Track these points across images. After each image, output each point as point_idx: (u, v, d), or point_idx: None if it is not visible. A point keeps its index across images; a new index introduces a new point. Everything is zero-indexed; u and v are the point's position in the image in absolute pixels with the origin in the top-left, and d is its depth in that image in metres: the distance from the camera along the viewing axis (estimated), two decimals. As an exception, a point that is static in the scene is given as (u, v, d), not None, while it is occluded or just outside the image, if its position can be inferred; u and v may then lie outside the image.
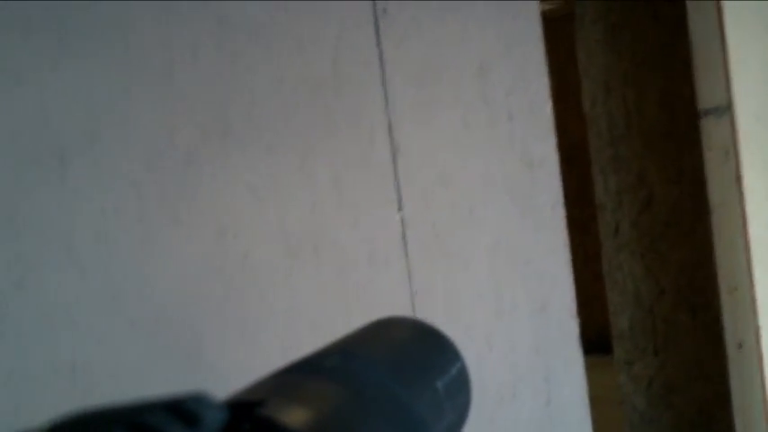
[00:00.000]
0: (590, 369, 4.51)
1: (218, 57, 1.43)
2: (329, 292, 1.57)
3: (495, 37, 1.93)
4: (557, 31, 5.74)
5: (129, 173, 1.30)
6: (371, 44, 1.68)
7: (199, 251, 1.38)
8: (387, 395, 0.44)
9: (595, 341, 4.26)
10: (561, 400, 1.99)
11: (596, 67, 3.68)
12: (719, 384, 3.37)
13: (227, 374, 1.38)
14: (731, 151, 2.67)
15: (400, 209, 1.70)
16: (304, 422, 0.36)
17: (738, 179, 2.67)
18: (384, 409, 0.43)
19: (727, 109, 2.65)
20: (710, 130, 2.70)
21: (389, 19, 1.71)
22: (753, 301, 2.72)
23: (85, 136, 1.26)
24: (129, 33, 1.32)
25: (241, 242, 1.44)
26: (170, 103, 1.36)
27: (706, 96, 2.71)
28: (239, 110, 1.45)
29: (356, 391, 0.42)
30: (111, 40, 1.29)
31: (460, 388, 0.52)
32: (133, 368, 1.29)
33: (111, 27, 1.29)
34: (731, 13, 2.72)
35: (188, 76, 1.39)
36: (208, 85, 1.41)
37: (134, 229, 1.30)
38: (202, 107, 1.40)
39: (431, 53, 1.80)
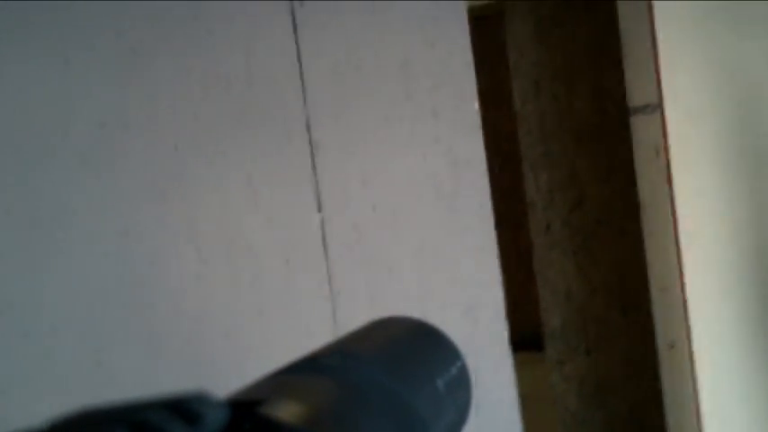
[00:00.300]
0: (524, 366, 4.47)
1: (117, 47, 1.33)
2: (243, 297, 1.49)
3: (419, 31, 1.86)
4: (488, 28, 5.70)
5: (16, 171, 1.21)
6: (288, 36, 1.60)
7: (99, 254, 1.28)
8: (387, 394, 0.44)
9: (529, 338, 4.22)
10: (490, 404, 1.93)
11: (527, 63, 3.64)
12: (652, 383, 3.35)
13: (130, 388, 1.29)
14: (661, 149, 2.63)
15: (320, 210, 1.62)
16: (305, 420, 0.36)
17: (668, 178, 2.64)
18: (384, 408, 0.42)
19: (657, 107, 2.61)
20: (640, 128, 2.66)
21: (307, 10, 1.63)
22: (684, 300, 2.69)
23: (-30, 132, 1.16)
24: (19, 20, 1.22)
25: (146, 245, 1.35)
26: (64, 96, 1.27)
27: (636, 94, 2.68)
28: (140, 104, 1.36)
29: (356, 389, 0.42)
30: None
31: (461, 386, 0.52)
32: (26, 385, 1.19)
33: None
34: (662, 10, 2.69)
35: (84, 67, 1.29)
36: (106, 77, 1.32)
37: (23, 231, 1.21)
38: (100, 101, 1.31)
39: (351, 46, 1.72)
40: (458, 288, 1.89)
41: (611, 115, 3.45)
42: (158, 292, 1.35)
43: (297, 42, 1.61)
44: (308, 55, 1.63)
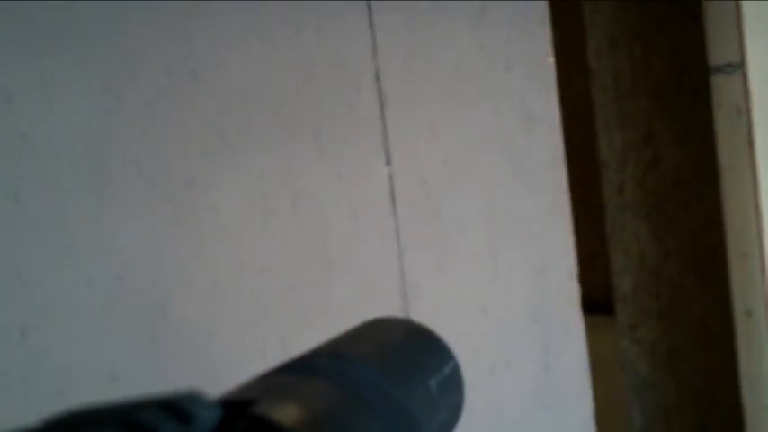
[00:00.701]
0: (593, 330, 4.42)
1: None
2: (309, 250, 1.46)
3: (494, -21, 1.81)
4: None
5: (84, 114, 1.19)
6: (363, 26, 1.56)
7: (163, 204, 1.27)
8: (379, 394, 0.44)
9: (599, 302, 4.16)
10: (560, 368, 1.89)
11: (602, 19, 3.55)
12: (726, 352, 3.28)
13: (194, 339, 1.28)
14: (742, 110, 2.55)
15: (388, 163, 1.59)
16: (297, 420, 0.36)
17: (750, 140, 2.55)
18: (377, 408, 0.43)
19: (738, 66, 2.52)
20: (721, 88, 2.57)
21: (379, -43, 1.59)
22: (763, 268, 2.61)
23: (34, 78, 1.15)
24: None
25: (211, 195, 1.33)
26: (132, 40, 1.25)
27: (716, 52, 2.58)
28: (208, 51, 1.33)
29: (349, 390, 0.42)
30: (46, 32, 1.18)
31: (454, 387, 0.52)
32: (90, 332, 1.19)
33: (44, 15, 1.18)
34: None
35: (151, 12, 1.27)
36: (173, 21, 1.29)
37: (89, 177, 1.20)
38: (168, 45, 1.28)
39: (424, -4, 1.68)
40: (528, 248, 1.85)
41: (689, 74, 3.35)
42: (223, 243, 1.34)
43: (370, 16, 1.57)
44: (379, 6, 1.59)
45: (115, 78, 1.23)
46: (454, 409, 0.52)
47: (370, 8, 1.58)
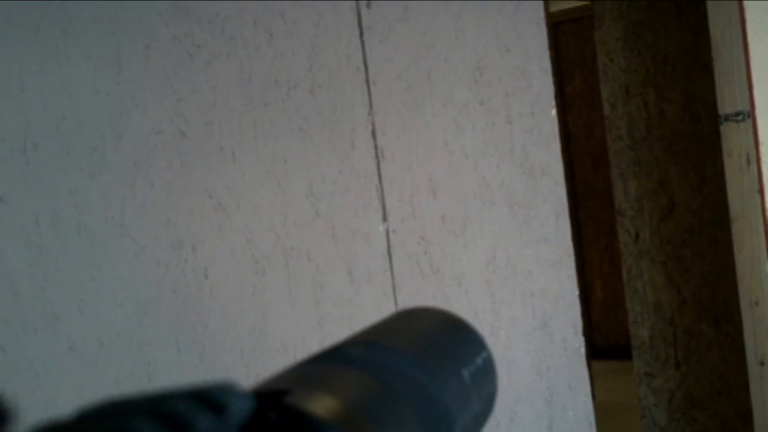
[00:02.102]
0: (617, 375, 4.32)
1: (174, 50, 1.28)
2: (303, 310, 1.42)
3: (493, 36, 1.78)
4: (584, 30, 5.56)
5: (67, 176, 1.16)
6: (353, 39, 1.53)
7: (149, 266, 1.23)
8: (412, 384, 0.43)
9: (624, 346, 4.08)
10: (565, 423, 1.83)
11: (616, 68, 3.51)
12: (743, 399, 3.19)
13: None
14: (753, 158, 2.49)
15: (385, 219, 1.55)
16: (330, 411, 0.35)
17: (760, 188, 2.49)
18: (410, 399, 0.42)
19: (748, 114, 2.47)
20: (731, 136, 2.52)
21: (374, 13, 1.56)
22: (776, 316, 2.54)
23: (16, 139, 1.12)
24: (68, 23, 1.17)
25: (200, 256, 1.29)
26: (117, 102, 1.22)
27: (727, 101, 2.53)
28: (197, 110, 1.30)
29: (382, 380, 0.41)
30: (47, 30, 1.15)
31: (487, 378, 0.50)
32: (71, 398, 1.15)
33: (47, 15, 1.15)
34: (753, 16, 2.54)
35: (138, 73, 1.25)
36: (161, 82, 1.26)
37: (72, 241, 1.16)
38: (154, 107, 1.25)
39: (421, 51, 1.64)
40: (531, 302, 1.80)
41: (702, 122, 3.31)
42: (213, 304, 1.30)
43: (363, 47, 1.54)
44: (375, 60, 1.56)
45: (100, 139, 1.20)
46: (487, 400, 0.50)
47: (366, 65, 1.54)
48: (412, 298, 1.56)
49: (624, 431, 3.68)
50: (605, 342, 5.69)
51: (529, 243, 1.80)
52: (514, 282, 1.76)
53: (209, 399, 0.30)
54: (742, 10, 2.49)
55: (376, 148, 1.54)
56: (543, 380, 1.80)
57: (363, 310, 1.50)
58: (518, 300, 1.77)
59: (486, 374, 0.50)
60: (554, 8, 5.75)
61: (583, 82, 5.69)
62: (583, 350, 1.90)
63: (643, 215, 3.49)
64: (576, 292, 1.90)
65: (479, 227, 1.71)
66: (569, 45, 5.83)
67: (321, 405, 0.36)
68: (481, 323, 1.68)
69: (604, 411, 4.83)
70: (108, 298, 1.19)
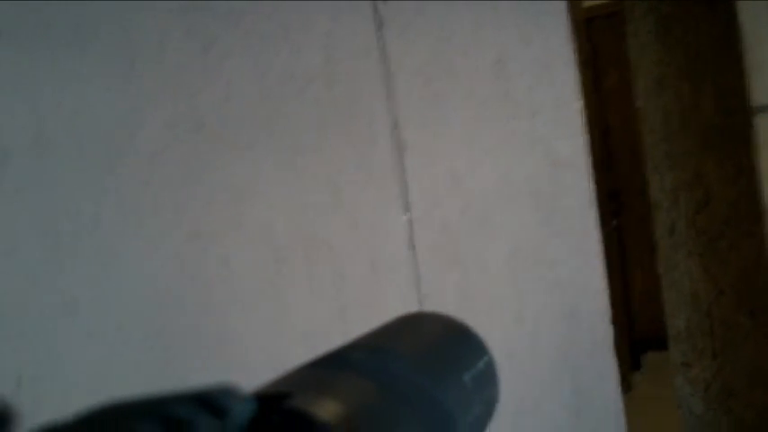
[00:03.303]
0: (657, 365, 4.22)
1: (188, 45, 1.26)
2: (324, 300, 1.39)
3: (515, 28, 1.74)
4: (619, 26, 5.47)
5: (82, 174, 1.15)
6: (370, 34, 1.50)
7: (166, 256, 1.21)
8: (414, 389, 0.42)
9: (664, 337, 4.01)
10: (592, 413, 1.78)
11: (648, 61, 3.44)
12: (781, 389, 3.11)
13: (198, 392, 1.21)
14: (785, 148, 2.42)
15: (407, 211, 1.52)
16: (332, 415, 0.35)
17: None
18: (412, 403, 0.41)
19: (781, 104, 2.40)
20: (764, 128, 2.45)
21: (392, 7, 1.53)
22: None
23: (30, 135, 1.11)
24: (80, 20, 1.16)
25: (219, 246, 1.27)
26: (130, 98, 1.20)
27: (759, 92, 2.46)
28: (212, 104, 1.28)
29: (384, 384, 0.41)
30: (59, 26, 1.14)
31: (488, 382, 0.50)
32: (88, 384, 1.13)
33: (58, 13, 1.14)
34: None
35: (151, 69, 1.23)
36: (175, 77, 1.24)
37: (90, 233, 1.15)
38: (169, 102, 1.23)
39: (441, 45, 1.61)
40: (557, 292, 1.76)
41: (737, 114, 3.22)
42: (231, 295, 1.27)
43: (382, 41, 1.51)
44: (394, 54, 1.53)
45: (115, 134, 1.18)
46: (489, 404, 0.50)
47: (386, 58, 1.51)
48: (435, 287, 1.53)
49: (663, 421, 3.60)
50: (646, 332, 5.59)
51: (554, 234, 1.76)
52: (539, 272, 1.72)
53: (211, 402, 0.30)
54: (771, 1, 2.42)
55: (397, 140, 1.51)
56: (569, 369, 1.75)
57: (386, 298, 1.47)
58: (543, 290, 1.73)
59: (488, 378, 0.50)
60: (588, 3, 5.68)
61: (619, 76, 5.60)
62: (611, 340, 1.85)
63: (679, 207, 3.42)
64: (604, 283, 1.85)
65: (502, 218, 1.67)
66: (605, 40, 5.75)
67: (323, 409, 0.35)
68: (505, 313, 1.64)
69: (643, 401, 4.75)
70: (125, 286, 1.17)
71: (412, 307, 1.49)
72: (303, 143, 1.39)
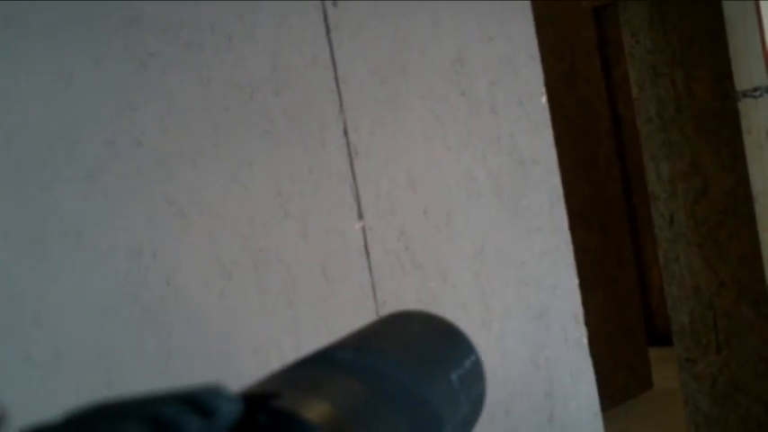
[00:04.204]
0: (665, 362, 4.25)
1: (127, 60, 1.30)
2: (275, 311, 1.43)
3: (474, 23, 1.77)
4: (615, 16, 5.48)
5: (19, 194, 1.19)
6: (319, 38, 1.54)
7: (107, 275, 1.25)
8: (402, 388, 0.43)
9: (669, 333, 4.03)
10: (568, 414, 1.82)
11: (642, 49, 3.46)
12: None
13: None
14: (772, 133, 2.44)
15: (360, 217, 1.55)
16: (319, 414, 0.36)
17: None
18: (399, 402, 0.42)
19: (766, 89, 2.42)
20: (749, 113, 2.47)
21: (342, 9, 1.57)
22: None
23: (-40, 157, 1.15)
24: (16, 38, 1.20)
25: (162, 263, 1.31)
26: (68, 113, 1.24)
27: (743, 77, 2.49)
28: (153, 118, 1.32)
29: (371, 384, 0.42)
30: (-14, 51, 1.18)
31: (475, 380, 0.51)
32: (29, 409, 1.17)
33: (-15, 37, 1.18)
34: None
35: (89, 85, 1.27)
36: (114, 92, 1.29)
37: (26, 252, 1.19)
38: (108, 118, 1.28)
39: (396, 44, 1.65)
40: (526, 292, 1.79)
41: (732, 99, 3.24)
42: (177, 312, 1.31)
43: (330, 45, 1.55)
44: (345, 57, 1.57)
45: (52, 152, 1.22)
46: (476, 402, 0.51)
47: (334, 63, 1.55)
48: (393, 294, 1.57)
49: (682, 419, 3.62)
50: (665, 328, 5.61)
51: (521, 233, 1.79)
52: (506, 273, 1.76)
53: (198, 402, 0.30)
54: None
55: (348, 145, 1.55)
56: (541, 371, 1.79)
57: (340, 308, 1.51)
58: (510, 290, 1.76)
59: (475, 377, 0.52)
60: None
61: (617, 68, 5.62)
62: (585, 340, 1.88)
63: (677, 198, 3.44)
64: (576, 281, 1.88)
65: (465, 219, 1.70)
66: (614, 28, 5.76)
67: (310, 408, 0.36)
68: (470, 316, 1.68)
69: (661, 398, 4.76)
70: (64, 308, 1.21)
71: (368, 316, 1.53)
72: (250, 153, 1.43)
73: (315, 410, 0.36)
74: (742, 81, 2.51)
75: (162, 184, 1.32)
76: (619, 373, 4.89)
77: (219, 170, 1.39)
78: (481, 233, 1.72)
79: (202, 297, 1.35)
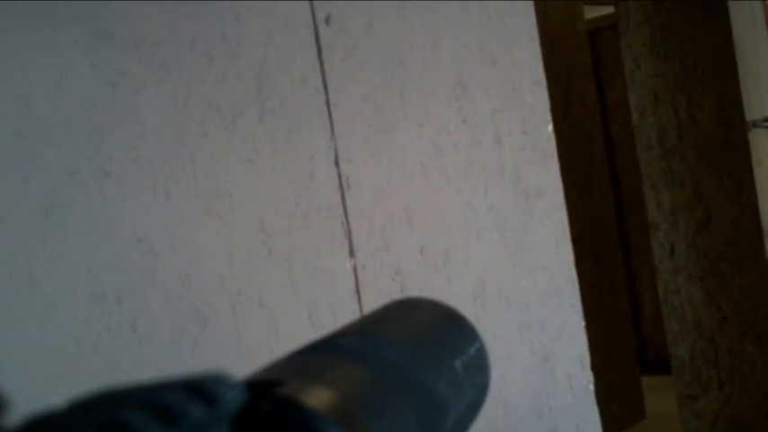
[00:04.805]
0: (670, 390, 4.11)
1: (94, 80, 1.16)
2: (255, 360, 1.28)
3: (477, 46, 1.63)
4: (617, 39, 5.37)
5: (-38, 231, 1.04)
6: (310, 59, 1.40)
7: (66, 322, 1.11)
8: (406, 375, 0.43)
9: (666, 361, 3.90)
10: (573, 468, 1.67)
11: (644, 73, 3.34)
12: (791, 422, 3.00)
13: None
14: (785, 165, 2.31)
15: (352, 255, 1.41)
16: (323, 402, 0.36)
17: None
18: (403, 389, 0.42)
19: (778, 118, 2.30)
20: (760, 143, 2.34)
21: (334, 28, 1.43)
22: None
23: None
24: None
25: (128, 308, 1.16)
26: (25, 141, 1.10)
27: (754, 105, 2.36)
28: (122, 145, 1.18)
29: (375, 371, 0.41)
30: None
31: (479, 368, 0.50)
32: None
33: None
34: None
35: (50, 108, 1.12)
36: (78, 117, 1.14)
37: (-29, 300, 1.04)
38: (70, 145, 1.13)
39: (390, 68, 1.51)
40: (529, 336, 1.65)
41: (736, 128, 3.11)
42: (144, 362, 1.17)
43: (322, 66, 1.41)
44: (337, 80, 1.43)
45: (5, 184, 1.07)
46: (480, 390, 0.50)
47: (326, 86, 1.41)
48: (386, 340, 1.42)
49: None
50: (657, 356, 5.48)
51: (524, 272, 1.65)
52: (508, 315, 1.61)
53: (202, 389, 0.30)
54: (766, 8, 2.32)
55: (339, 176, 1.41)
56: (545, 422, 1.64)
57: (328, 356, 1.36)
58: (513, 335, 1.62)
59: (479, 364, 0.51)
60: (591, 14, 5.59)
61: (625, 88, 5.51)
62: (592, 387, 1.74)
63: (678, 228, 3.31)
64: (582, 323, 1.74)
65: (465, 257, 1.56)
66: (609, 51, 5.66)
67: (314, 396, 0.36)
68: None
69: (655, 429, 4.63)
70: (16, 361, 1.06)
71: (360, 363, 1.38)
72: (230, 184, 1.28)
73: (319, 397, 0.36)
74: (753, 110, 2.38)
75: (130, 219, 1.18)
76: (611, 403, 4.75)
77: (195, 203, 1.24)
78: (482, 272, 1.58)
79: (174, 346, 1.20)
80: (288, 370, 0.40)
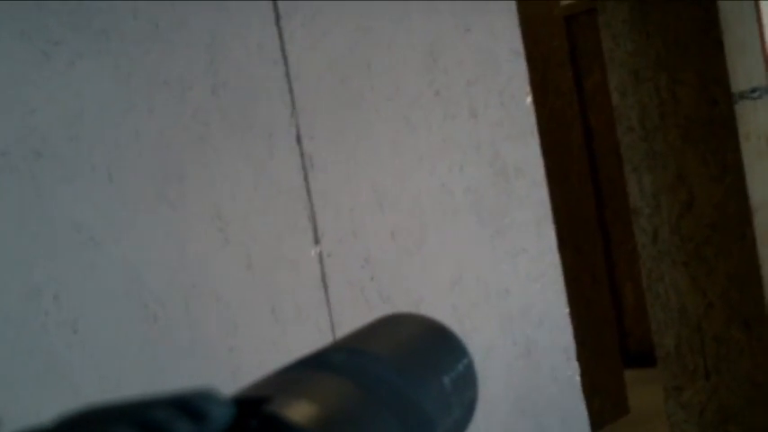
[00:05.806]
0: (653, 383, 4.05)
1: (24, 50, 1.06)
2: (212, 360, 1.19)
3: (449, 12, 1.54)
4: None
5: None
6: (267, 26, 1.30)
7: (0, 321, 1.01)
8: (394, 391, 0.44)
9: (649, 353, 3.85)
10: (560, 467, 1.59)
11: (623, 52, 3.26)
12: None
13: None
14: (774, 140, 2.24)
15: (317, 242, 1.32)
16: (311, 418, 0.37)
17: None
18: (391, 406, 0.43)
19: (766, 90, 2.22)
20: (747, 116, 2.27)
21: (293, -6, 1.34)
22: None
23: None
24: None
25: (67, 305, 1.06)
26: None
27: (741, 77, 2.28)
28: (57, 123, 1.08)
29: (363, 387, 0.42)
30: None
31: (467, 384, 0.51)
32: None
33: None
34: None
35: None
36: (6, 91, 1.04)
37: None
38: (2, 126, 1.03)
39: (358, 35, 1.41)
40: (511, 326, 1.56)
41: (720, 105, 3.04)
42: (86, 365, 1.07)
43: (280, 34, 1.31)
44: (297, 49, 1.33)
45: None
46: (468, 406, 0.50)
47: (285, 55, 1.32)
48: (356, 334, 1.33)
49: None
50: (639, 348, 5.43)
51: (504, 256, 1.56)
52: (488, 304, 1.53)
53: (189, 406, 0.30)
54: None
55: (302, 155, 1.31)
56: (529, 418, 1.56)
57: (293, 353, 1.27)
58: (493, 325, 1.53)
59: (467, 381, 0.51)
60: (566, 2, 5.54)
61: (602, 74, 5.43)
62: (577, 378, 1.65)
63: (661, 212, 3.24)
64: (566, 310, 1.66)
65: (440, 241, 1.47)
66: (586, 37, 5.60)
67: (301, 412, 0.36)
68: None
69: (639, 424, 4.58)
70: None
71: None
72: (181, 165, 1.18)
73: (306, 414, 0.36)
74: (739, 82, 2.30)
75: (67, 205, 1.08)
76: (594, 398, 4.69)
77: (141, 187, 1.14)
78: (459, 258, 1.49)
79: (120, 347, 1.10)
80: (275, 386, 0.40)
